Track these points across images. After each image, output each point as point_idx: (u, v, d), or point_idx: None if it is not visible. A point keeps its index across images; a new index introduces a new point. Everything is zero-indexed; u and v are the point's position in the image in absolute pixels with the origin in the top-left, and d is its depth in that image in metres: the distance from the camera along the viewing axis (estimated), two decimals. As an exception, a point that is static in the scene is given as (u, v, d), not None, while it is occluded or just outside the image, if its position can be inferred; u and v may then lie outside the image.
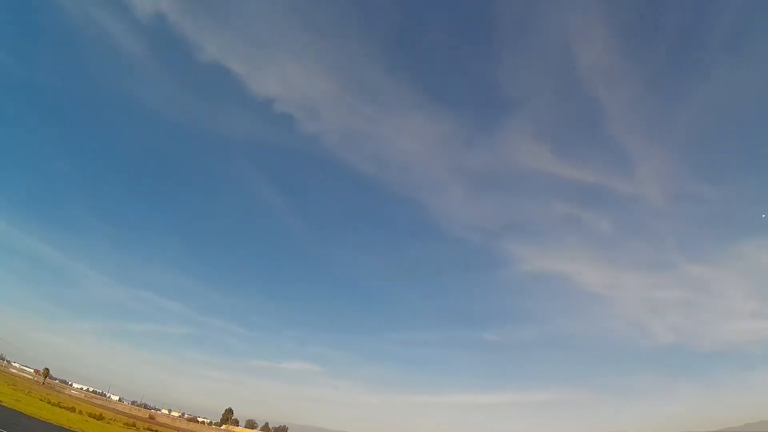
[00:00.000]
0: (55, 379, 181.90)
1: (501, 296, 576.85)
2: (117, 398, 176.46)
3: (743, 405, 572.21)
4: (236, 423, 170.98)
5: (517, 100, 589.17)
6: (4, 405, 38.47)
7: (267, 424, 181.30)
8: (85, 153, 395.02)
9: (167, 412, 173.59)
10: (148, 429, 65.17)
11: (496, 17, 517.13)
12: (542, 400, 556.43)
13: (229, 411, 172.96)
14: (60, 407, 53.81)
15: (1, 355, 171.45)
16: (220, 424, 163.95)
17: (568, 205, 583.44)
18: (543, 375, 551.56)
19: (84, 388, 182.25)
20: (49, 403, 55.47)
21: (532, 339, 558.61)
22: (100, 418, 55.02)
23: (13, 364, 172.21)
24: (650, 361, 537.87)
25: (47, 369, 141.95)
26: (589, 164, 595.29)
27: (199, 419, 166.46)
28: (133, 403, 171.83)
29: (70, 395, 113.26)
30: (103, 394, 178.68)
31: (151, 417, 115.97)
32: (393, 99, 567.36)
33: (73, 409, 55.79)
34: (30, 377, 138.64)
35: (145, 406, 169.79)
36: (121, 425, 56.88)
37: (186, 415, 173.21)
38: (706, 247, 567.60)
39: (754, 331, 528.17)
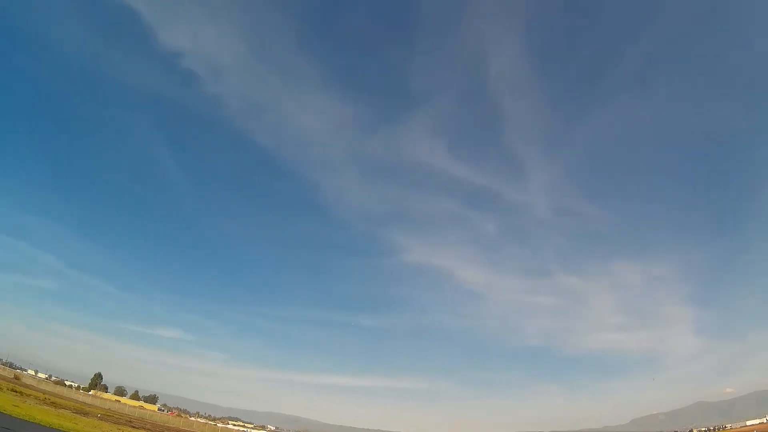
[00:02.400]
0: None
1: (381, 283, 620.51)
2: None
3: (603, 409, 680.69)
4: (105, 389, 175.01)
5: (424, 95, 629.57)
6: None
7: (137, 392, 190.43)
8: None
9: (33, 374, 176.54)
10: (12, 390, 65.84)
11: (417, 11, 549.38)
12: (410, 387, 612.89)
13: (98, 376, 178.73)
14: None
15: None
16: (88, 389, 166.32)
17: (457, 203, 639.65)
18: (413, 363, 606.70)
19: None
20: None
21: (407, 328, 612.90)
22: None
23: None
24: (519, 361, 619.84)
25: None
26: (482, 167, 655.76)
27: (67, 383, 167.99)
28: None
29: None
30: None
31: (17, 377, 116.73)
32: (301, 73, 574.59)
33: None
34: None
35: (11, 366, 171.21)
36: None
37: (53, 378, 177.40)
38: (581, 261, 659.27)
39: (616, 342, 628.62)
